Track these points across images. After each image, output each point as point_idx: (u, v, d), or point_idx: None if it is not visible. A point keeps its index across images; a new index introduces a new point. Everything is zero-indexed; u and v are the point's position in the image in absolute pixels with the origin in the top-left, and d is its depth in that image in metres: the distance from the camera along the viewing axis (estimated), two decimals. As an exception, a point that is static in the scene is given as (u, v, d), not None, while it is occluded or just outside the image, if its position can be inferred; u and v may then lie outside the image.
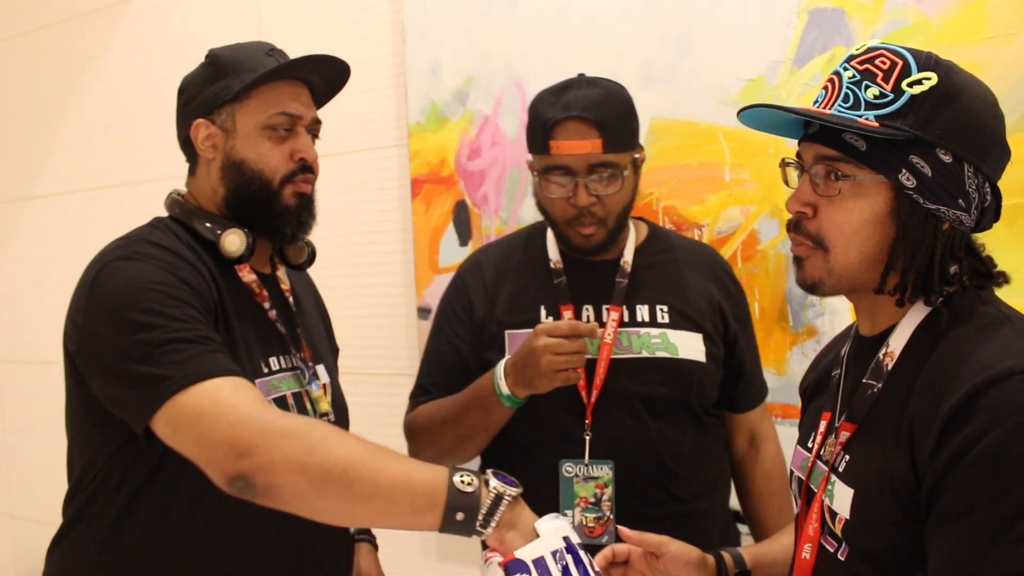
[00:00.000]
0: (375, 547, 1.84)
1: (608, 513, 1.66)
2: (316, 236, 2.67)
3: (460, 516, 1.23)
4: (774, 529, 1.75)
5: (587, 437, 1.67)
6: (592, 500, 1.67)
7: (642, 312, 1.73)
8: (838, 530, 1.15)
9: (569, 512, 1.67)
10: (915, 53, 1.12)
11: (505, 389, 1.64)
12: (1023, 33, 1.73)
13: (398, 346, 2.57)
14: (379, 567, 1.82)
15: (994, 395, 1.00)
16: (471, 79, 2.38)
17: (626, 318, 1.72)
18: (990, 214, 1.17)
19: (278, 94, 1.54)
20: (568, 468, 1.68)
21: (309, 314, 1.70)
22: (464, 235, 2.41)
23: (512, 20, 2.31)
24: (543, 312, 1.74)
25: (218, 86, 1.54)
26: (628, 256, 1.76)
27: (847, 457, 1.16)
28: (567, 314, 1.72)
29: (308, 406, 1.54)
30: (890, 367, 1.15)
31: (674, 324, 1.73)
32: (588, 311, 1.74)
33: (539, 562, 1.21)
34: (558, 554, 1.23)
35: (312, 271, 2.68)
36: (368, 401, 2.63)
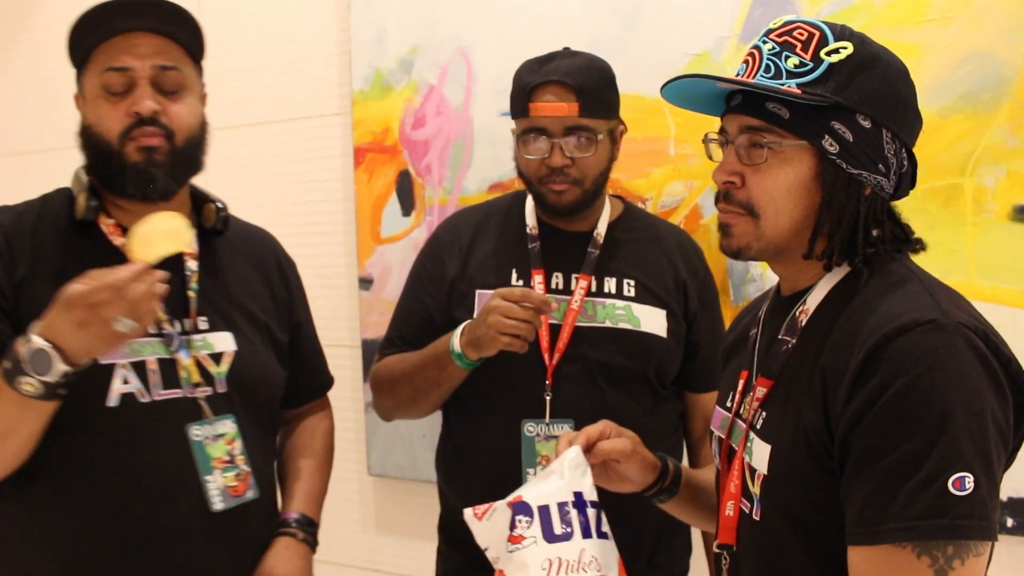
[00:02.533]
0: (302, 542, 1.66)
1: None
2: (257, 204, 2.65)
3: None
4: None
5: (547, 398, 1.72)
6: (553, 458, 1.69)
7: (610, 284, 1.78)
8: (757, 488, 1.18)
9: (531, 470, 1.71)
10: (830, 25, 1.17)
11: (457, 347, 1.68)
12: (962, 16, 1.77)
13: (339, 317, 2.54)
14: (291, 564, 1.61)
15: (899, 345, 1.04)
16: (416, 48, 2.35)
17: (594, 288, 1.77)
18: (907, 180, 1.21)
19: (111, 50, 1.47)
20: (530, 428, 1.72)
21: (230, 281, 1.64)
22: (407, 205, 2.39)
23: (459, -11, 2.29)
24: (514, 275, 1.79)
25: (71, 53, 1.53)
26: (601, 228, 1.82)
27: (764, 414, 1.19)
28: (537, 278, 1.77)
29: (183, 373, 1.50)
30: (804, 323, 1.18)
31: (639, 298, 1.78)
32: (558, 278, 1.79)
33: (543, 509, 1.25)
34: (564, 506, 1.26)
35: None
36: (307, 372, 2.61)
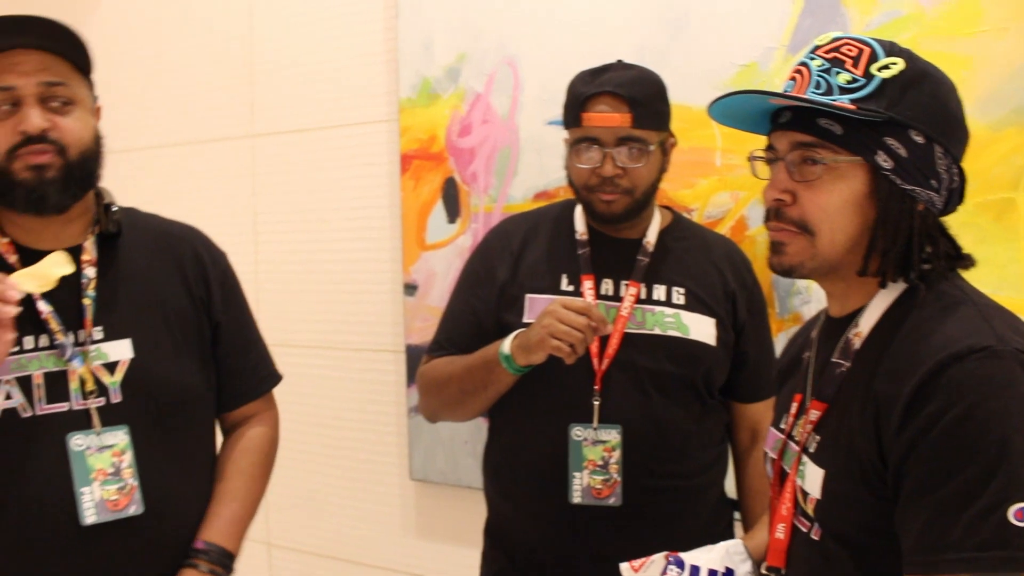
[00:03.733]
0: (206, 573, 1.57)
1: (615, 476, 1.73)
2: (304, 209, 2.68)
3: None
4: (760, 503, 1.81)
5: (596, 403, 1.73)
6: (600, 463, 1.73)
7: (659, 291, 1.80)
8: (810, 510, 1.17)
9: (577, 474, 1.73)
10: (878, 41, 1.16)
11: (507, 349, 1.70)
12: (1016, 27, 1.74)
13: (383, 322, 2.56)
14: None
15: (953, 373, 1.02)
16: (464, 56, 2.37)
17: (643, 295, 1.79)
18: (956, 196, 1.19)
19: None
20: (577, 432, 1.74)
21: (132, 284, 1.59)
22: (452, 212, 2.40)
23: (507, -2, 2.30)
24: (564, 280, 1.81)
25: None
26: (651, 237, 1.83)
27: (818, 438, 1.18)
28: (587, 284, 1.79)
29: (75, 385, 1.48)
30: (858, 347, 1.17)
31: (689, 306, 1.79)
32: (607, 284, 1.80)
33: (695, 569, 1.34)
34: (715, 573, 1.35)
35: (298, 244, 2.70)
36: (348, 376, 2.64)
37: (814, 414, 1.19)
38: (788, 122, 1.17)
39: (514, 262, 1.85)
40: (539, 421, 1.77)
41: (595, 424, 1.73)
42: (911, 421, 1.04)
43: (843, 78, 1.14)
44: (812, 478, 1.16)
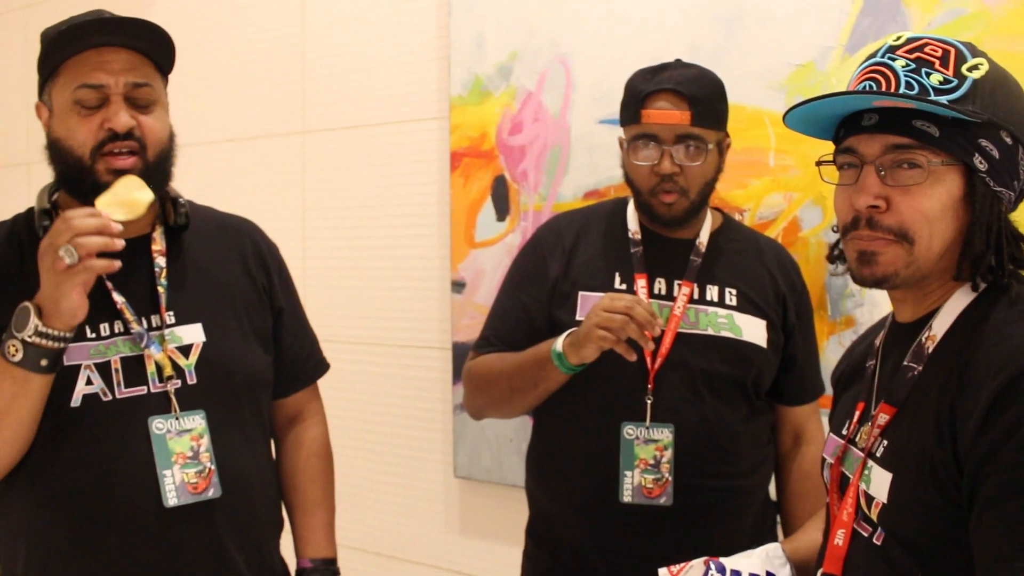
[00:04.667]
0: None
1: (667, 475, 1.72)
2: (354, 205, 2.69)
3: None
4: (803, 514, 1.79)
5: (648, 402, 1.72)
6: (652, 462, 1.72)
7: (712, 292, 1.79)
8: (874, 515, 1.15)
9: (629, 473, 1.72)
10: (959, 41, 1.13)
11: (559, 347, 1.68)
12: (1084, 27, 1.70)
13: (430, 319, 2.57)
14: None
15: None
16: (515, 54, 2.36)
17: (696, 296, 1.78)
18: (1021, 195, 1.17)
19: (83, 65, 1.48)
20: (629, 430, 1.73)
21: (200, 272, 1.64)
22: (502, 210, 2.40)
23: (560, -4, 2.29)
24: (617, 278, 1.80)
25: (41, 64, 1.53)
26: (704, 237, 1.83)
27: (885, 442, 1.16)
28: (640, 282, 1.78)
29: (151, 369, 1.53)
30: (931, 350, 1.14)
31: (741, 308, 1.79)
32: (660, 283, 1.80)
33: (735, 573, 1.32)
34: None
35: (346, 241, 2.72)
36: (393, 372, 2.65)
37: (883, 418, 1.17)
38: (875, 124, 1.13)
39: (567, 259, 1.84)
40: (590, 419, 1.76)
41: (647, 423, 1.72)
42: (990, 427, 1.02)
43: (936, 79, 1.11)
44: (878, 482, 1.14)
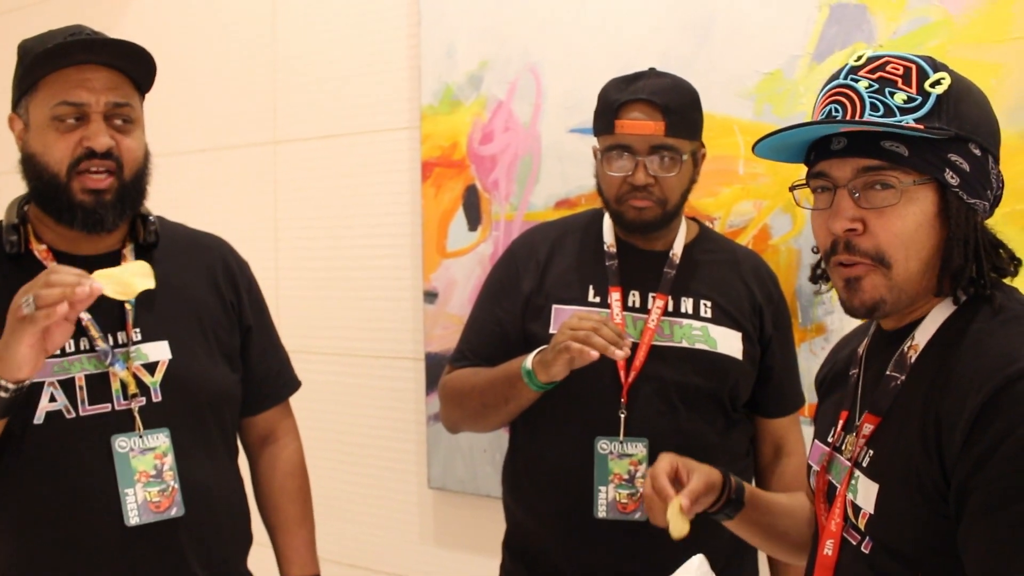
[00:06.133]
0: None
1: (641, 490, 1.67)
2: (325, 215, 2.68)
3: None
4: None
5: (622, 416, 1.71)
6: (626, 477, 1.71)
7: (686, 304, 1.78)
8: (861, 524, 1.15)
9: (603, 488, 1.71)
10: (919, 56, 1.14)
11: (529, 364, 1.67)
12: (1047, 35, 1.71)
13: (403, 329, 2.56)
14: None
15: (1021, 389, 1.00)
16: (486, 63, 2.36)
17: (670, 308, 1.77)
18: (995, 202, 1.19)
19: (64, 82, 1.48)
20: (603, 445, 1.72)
21: (168, 290, 1.61)
22: (473, 220, 2.39)
23: (531, 5, 2.29)
24: (591, 291, 1.79)
25: (19, 78, 1.53)
26: (678, 249, 1.81)
27: (871, 452, 1.16)
28: (615, 295, 1.77)
29: (116, 386, 1.52)
30: (914, 360, 1.15)
31: (716, 320, 1.77)
32: (635, 296, 1.79)
33: None
34: None
35: (319, 251, 2.70)
36: (366, 383, 2.64)
37: (867, 428, 1.17)
38: (845, 149, 1.14)
39: (540, 272, 1.83)
40: (564, 434, 1.75)
41: (621, 437, 1.70)
42: (977, 438, 1.02)
43: (900, 98, 1.11)
44: (865, 493, 1.14)
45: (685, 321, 1.76)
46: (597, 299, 1.78)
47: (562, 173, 2.26)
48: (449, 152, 2.43)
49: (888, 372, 1.17)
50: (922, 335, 1.15)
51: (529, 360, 1.67)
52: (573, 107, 2.22)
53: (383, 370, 2.61)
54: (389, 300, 2.58)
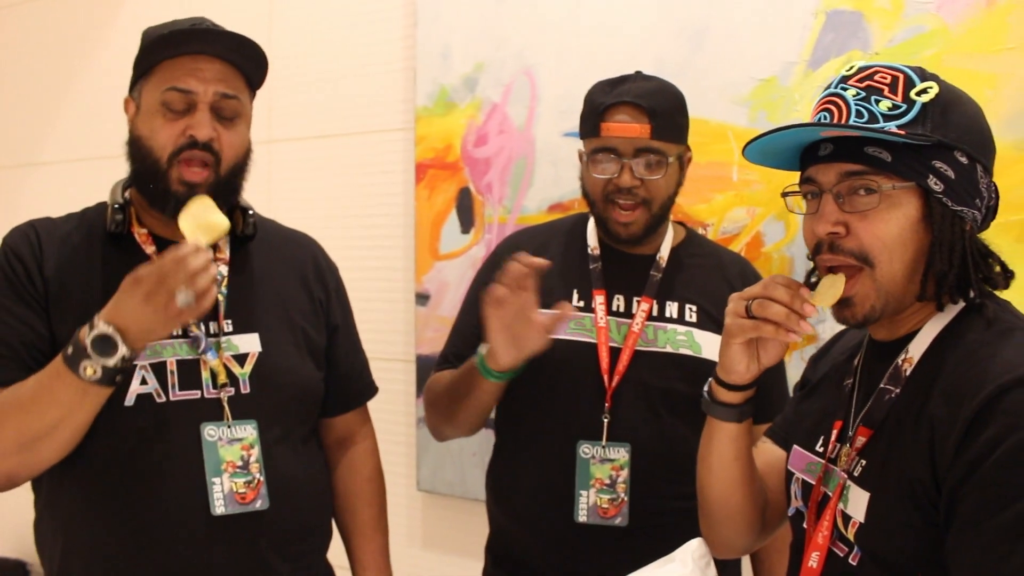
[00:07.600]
0: None
1: (623, 495, 1.69)
2: (319, 215, 2.67)
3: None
4: (770, 548, 1.76)
5: (605, 420, 1.70)
6: (607, 482, 1.69)
7: (671, 309, 1.77)
8: (851, 535, 1.15)
9: (584, 492, 1.69)
10: (908, 67, 1.16)
11: (482, 350, 1.65)
12: (1042, 46, 1.71)
13: (395, 331, 2.55)
14: None
15: (1013, 398, 1.02)
16: (481, 65, 2.35)
17: (655, 312, 1.76)
18: (991, 213, 1.20)
19: (176, 69, 1.49)
20: (585, 449, 1.70)
21: (261, 284, 1.65)
22: (467, 222, 2.39)
23: (526, 8, 2.29)
24: (575, 295, 1.78)
25: (136, 62, 1.54)
26: (664, 253, 1.80)
27: (863, 462, 1.17)
28: (599, 299, 1.76)
29: (206, 374, 1.52)
30: (908, 372, 1.16)
31: (701, 324, 1.76)
32: (619, 300, 1.77)
33: None
34: None
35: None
36: (361, 385, 2.62)
37: (860, 440, 1.18)
38: (830, 154, 1.16)
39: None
40: (547, 437, 1.74)
41: (604, 442, 1.70)
42: (969, 446, 1.03)
43: (884, 105, 1.13)
44: (856, 501, 1.15)
45: (670, 326, 1.75)
46: (581, 303, 1.77)
47: (556, 177, 2.25)
48: (443, 154, 2.42)
49: (883, 385, 1.18)
50: (916, 348, 1.16)
51: (482, 347, 1.66)
52: (568, 111, 2.22)
53: (373, 371, 2.58)
54: (381, 301, 2.57)
